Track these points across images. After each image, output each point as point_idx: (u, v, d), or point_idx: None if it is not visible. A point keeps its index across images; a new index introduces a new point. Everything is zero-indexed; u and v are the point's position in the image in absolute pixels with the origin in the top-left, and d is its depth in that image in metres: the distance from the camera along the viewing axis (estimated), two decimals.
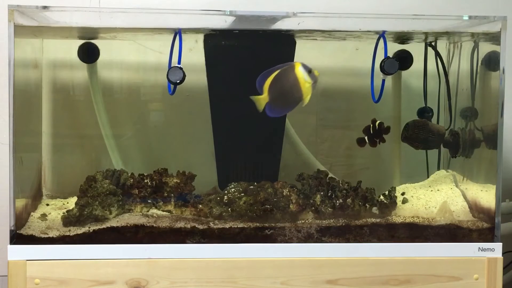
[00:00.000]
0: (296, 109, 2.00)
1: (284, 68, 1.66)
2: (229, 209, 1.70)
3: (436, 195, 1.86)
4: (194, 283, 1.60)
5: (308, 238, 1.67)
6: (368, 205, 1.74)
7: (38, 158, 1.94)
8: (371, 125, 1.79)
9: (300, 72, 1.65)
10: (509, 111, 1.77)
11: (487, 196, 1.75)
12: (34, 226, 1.67)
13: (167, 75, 1.66)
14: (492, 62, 1.75)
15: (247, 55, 1.81)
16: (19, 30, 1.58)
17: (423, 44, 2.00)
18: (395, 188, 1.82)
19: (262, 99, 1.66)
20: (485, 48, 1.79)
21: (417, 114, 2.00)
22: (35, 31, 1.80)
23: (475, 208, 1.79)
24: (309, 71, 1.65)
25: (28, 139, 1.85)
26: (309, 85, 1.66)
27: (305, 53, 1.83)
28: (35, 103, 1.92)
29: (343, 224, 1.69)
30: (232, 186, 1.74)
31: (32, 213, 1.75)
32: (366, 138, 1.79)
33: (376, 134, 1.79)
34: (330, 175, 1.80)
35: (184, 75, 1.65)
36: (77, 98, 2.05)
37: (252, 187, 1.73)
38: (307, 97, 1.67)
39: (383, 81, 1.74)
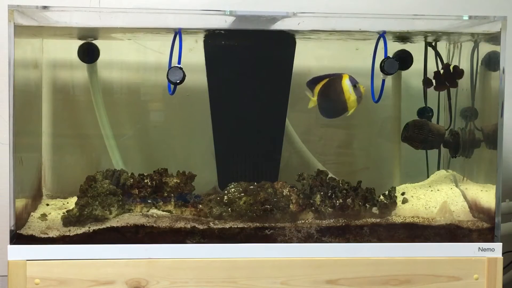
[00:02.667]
0: (296, 109, 2.01)
1: (333, 77, 1.72)
2: (229, 209, 1.70)
3: (436, 195, 1.86)
4: (194, 283, 1.60)
5: (308, 238, 1.67)
6: (368, 205, 1.74)
7: (38, 158, 1.94)
8: (443, 69, 1.81)
9: (346, 84, 1.71)
10: (509, 111, 1.77)
11: (487, 196, 1.75)
12: (34, 226, 1.67)
13: (167, 75, 1.65)
14: (492, 62, 1.75)
15: (247, 55, 1.81)
16: (19, 30, 1.58)
17: (423, 44, 2.00)
18: (395, 188, 1.82)
19: (312, 101, 1.77)
20: (485, 48, 1.79)
21: (417, 114, 2.00)
22: (35, 31, 1.80)
23: (475, 208, 1.79)
24: (354, 85, 1.70)
25: (28, 139, 1.85)
26: (354, 98, 1.71)
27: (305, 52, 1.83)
28: (35, 103, 1.92)
29: (343, 224, 1.69)
30: (232, 186, 1.74)
31: (32, 213, 1.75)
32: (433, 81, 1.81)
33: (449, 77, 1.80)
34: (330, 175, 1.80)
35: (184, 75, 1.65)
36: (77, 98, 2.05)
37: (252, 187, 1.73)
38: (351, 110, 1.73)
39: (383, 81, 1.74)
